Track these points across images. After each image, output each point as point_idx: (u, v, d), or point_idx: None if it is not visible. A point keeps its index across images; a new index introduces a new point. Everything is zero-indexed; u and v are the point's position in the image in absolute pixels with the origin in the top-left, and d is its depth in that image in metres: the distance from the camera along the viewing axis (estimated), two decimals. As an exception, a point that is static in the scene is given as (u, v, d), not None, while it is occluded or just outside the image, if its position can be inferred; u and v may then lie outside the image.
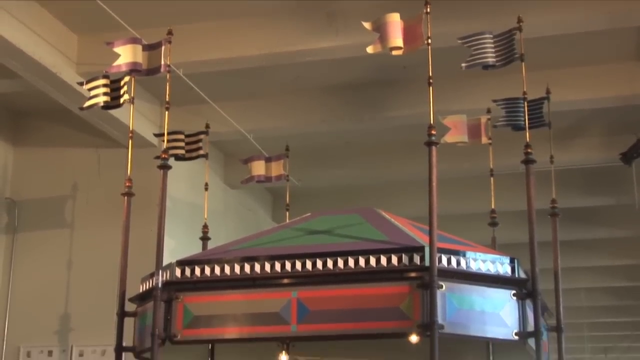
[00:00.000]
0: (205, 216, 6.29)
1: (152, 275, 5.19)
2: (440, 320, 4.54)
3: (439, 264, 4.61)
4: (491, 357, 6.17)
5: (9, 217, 8.19)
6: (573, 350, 13.79)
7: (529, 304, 4.89)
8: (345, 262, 4.78)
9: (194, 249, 5.99)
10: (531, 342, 4.92)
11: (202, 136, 6.07)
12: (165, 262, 5.17)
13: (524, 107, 5.34)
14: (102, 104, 5.29)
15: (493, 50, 5.00)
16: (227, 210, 9.40)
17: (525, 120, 5.31)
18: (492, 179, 6.19)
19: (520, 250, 5.11)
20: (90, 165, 8.25)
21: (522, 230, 5.26)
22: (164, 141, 5.28)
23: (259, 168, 6.55)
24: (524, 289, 4.87)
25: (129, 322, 5.65)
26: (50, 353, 7.61)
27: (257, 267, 4.94)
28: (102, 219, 7.85)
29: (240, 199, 10.12)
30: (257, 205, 10.75)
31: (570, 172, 9.09)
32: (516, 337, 4.79)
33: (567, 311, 5.76)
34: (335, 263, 4.80)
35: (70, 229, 8.08)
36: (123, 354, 5.63)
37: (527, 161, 5.13)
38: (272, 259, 4.92)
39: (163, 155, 5.15)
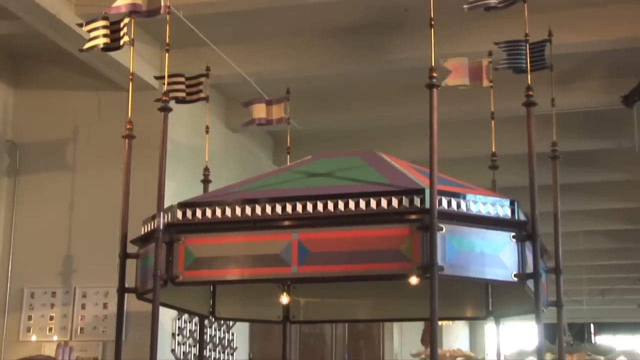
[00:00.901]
0: (207, 159, 6.30)
1: (153, 217, 5.22)
2: (440, 262, 4.58)
3: (439, 206, 4.63)
4: (490, 299, 6.24)
5: (11, 160, 8.20)
6: (571, 292, 13.91)
7: (528, 246, 4.93)
8: (346, 204, 4.80)
9: (195, 192, 6.01)
10: (530, 283, 4.97)
11: (202, 79, 6.04)
12: (166, 204, 5.20)
13: (525, 49, 5.32)
14: (101, 46, 5.26)
15: (495, -9, 4.96)
16: (227, 154, 9.41)
17: (526, 63, 5.30)
18: (492, 122, 6.19)
19: (520, 194, 5.13)
20: (90, 108, 8.24)
21: (522, 174, 5.27)
22: (164, 84, 5.26)
23: (259, 111, 6.53)
24: (523, 231, 4.90)
25: (131, 263, 5.70)
26: (53, 294, 7.68)
27: (258, 209, 4.96)
28: (103, 162, 7.86)
29: (241, 142, 10.12)
30: (258, 149, 10.75)
31: (571, 115, 9.08)
32: (515, 279, 4.83)
33: (565, 254, 5.80)
34: (335, 205, 4.81)
35: (72, 171, 8.10)
36: (125, 294, 5.69)
37: (528, 104, 5.13)
38: (272, 201, 4.94)
39: (163, 98, 5.15)
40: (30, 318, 7.68)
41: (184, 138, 7.96)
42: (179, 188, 7.00)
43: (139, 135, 5.50)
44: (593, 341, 16.48)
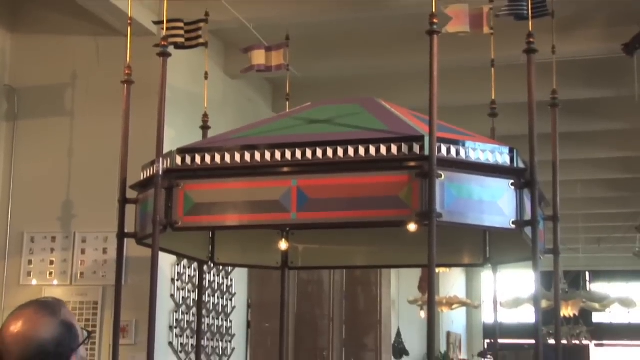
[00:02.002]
0: (205, 105, 6.29)
1: (152, 163, 5.23)
2: (438, 208, 4.60)
3: (438, 153, 4.64)
4: (488, 246, 6.28)
5: (9, 105, 8.18)
6: (568, 240, 13.99)
7: (526, 194, 4.95)
8: (345, 151, 4.80)
9: (194, 138, 6.01)
10: (528, 231, 5.00)
11: (201, 24, 5.99)
12: (165, 150, 5.20)
13: (527, -4, 5.29)
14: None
15: (497, -63, 4.92)
16: (226, 101, 9.38)
17: (528, 10, 5.27)
18: (493, 69, 6.17)
19: (520, 142, 5.14)
20: (89, 54, 8.19)
21: (521, 123, 5.28)
22: (163, 29, 5.23)
23: (259, 57, 6.50)
24: (522, 178, 4.92)
25: (130, 209, 5.72)
26: (53, 239, 7.71)
27: (257, 156, 4.97)
28: (102, 108, 7.84)
29: (240, 89, 10.09)
30: (257, 96, 10.72)
31: (571, 63, 9.04)
32: (513, 226, 4.86)
33: (563, 203, 5.83)
34: (335, 152, 4.82)
35: (71, 117, 8.08)
36: (125, 240, 5.72)
37: (529, 51, 5.12)
38: (272, 147, 4.95)
39: (162, 43, 5.13)
40: (30, 262, 7.72)
41: (182, 85, 7.93)
42: (178, 135, 7.00)
43: (137, 81, 5.49)
44: (588, 289, 16.61)
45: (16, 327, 2.01)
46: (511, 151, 4.91)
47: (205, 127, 6.38)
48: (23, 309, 2.06)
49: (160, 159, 5.13)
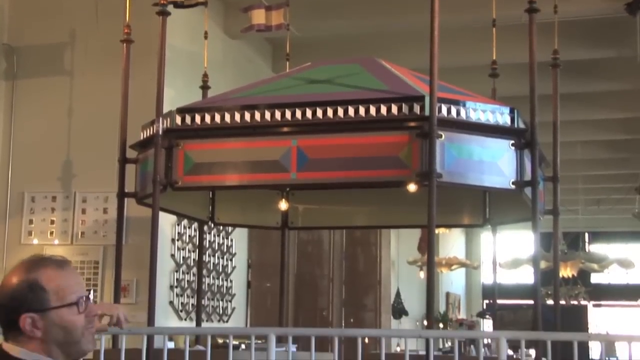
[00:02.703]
0: (205, 65, 6.26)
1: (152, 122, 5.22)
2: (438, 169, 4.60)
3: (438, 113, 4.63)
4: (487, 207, 6.29)
5: (8, 64, 8.15)
6: (567, 202, 14.01)
7: (526, 154, 4.95)
8: (345, 111, 4.79)
9: (194, 99, 5.99)
10: (528, 191, 5.01)
11: (201, -17, 5.96)
12: (165, 110, 5.19)
13: (530, -46, 5.24)
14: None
15: None
16: (226, 61, 9.34)
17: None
18: (494, 29, 6.13)
19: (520, 103, 5.12)
20: (88, 12, 8.13)
21: (522, 83, 5.26)
22: (162, -13, 5.19)
23: (259, 17, 6.46)
24: (522, 139, 4.91)
25: (130, 169, 5.73)
26: (54, 198, 7.73)
27: (257, 115, 4.96)
28: (101, 67, 7.81)
29: (239, 49, 10.04)
30: (257, 57, 10.67)
31: (573, 23, 8.98)
32: (513, 186, 4.87)
33: (563, 164, 5.83)
34: (335, 112, 4.81)
35: (70, 76, 8.05)
36: (125, 199, 5.73)
37: (531, 10, 5.08)
38: (271, 107, 4.94)
39: (161, 1, 5.10)
40: (31, 222, 7.74)
41: (182, 45, 7.89)
42: (178, 94, 6.98)
43: (137, 41, 5.46)
44: (587, 250, 16.67)
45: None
46: (512, 111, 4.90)
47: (205, 87, 6.36)
48: (22, 261, 2.16)
49: (160, 119, 5.12)
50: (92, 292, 2.22)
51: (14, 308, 2.06)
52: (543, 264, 7.86)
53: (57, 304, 2.08)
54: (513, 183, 4.86)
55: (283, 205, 6.63)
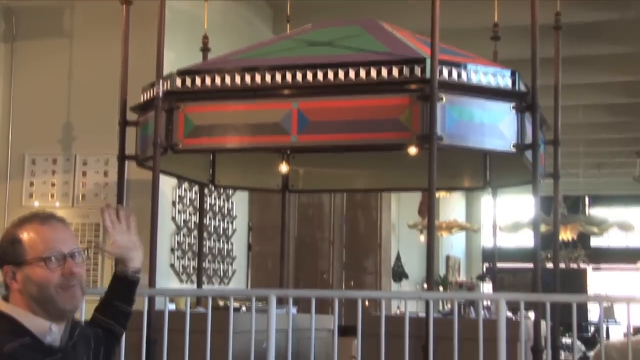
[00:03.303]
0: (205, 27, 6.22)
1: (152, 84, 5.20)
2: (439, 131, 4.60)
3: (439, 75, 4.62)
4: (488, 170, 6.29)
5: (7, 25, 8.09)
6: (568, 165, 13.99)
7: (527, 117, 4.94)
8: (346, 74, 4.78)
9: (194, 61, 5.96)
10: (528, 154, 5.00)
11: (200, -57, 5.91)
12: (165, 73, 5.17)
13: None
14: None
15: None
16: (226, 24, 9.28)
17: None
18: (496, -9, 6.09)
19: (522, 67, 5.09)
20: (86, -27, 8.06)
21: (523, 47, 5.23)
22: (162, -52, 5.14)
23: (259, -22, 6.42)
24: (523, 101, 4.90)
25: (131, 131, 5.72)
26: (54, 161, 7.72)
27: (258, 78, 4.95)
28: (101, 29, 7.75)
29: (240, 12, 9.97)
30: (257, 19, 10.60)
31: (575, -15, 8.90)
32: (514, 149, 4.87)
33: (564, 127, 5.82)
34: (335, 74, 4.80)
35: (70, 38, 7.99)
36: (126, 162, 5.73)
37: (533, -28, 5.05)
38: (272, 69, 4.92)
39: (161, -37, 5.06)
40: (32, 184, 7.74)
41: (182, 6, 7.83)
42: (178, 57, 6.94)
43: (136, 2, 5.42)
44: (587, 213, 16.69)
45: None
46: (513, 74, 4.88)
47: (205, 49, 6.33)
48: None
49: (160, 81, 5.10)
50: (85, 251, 2.16)
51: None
52: (543, 228, 7.88)
53: (29, 259, 2.09)
54: (514, 146, 4.86)
55: (283, 167, 6.64)
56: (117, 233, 2.56)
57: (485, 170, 6.26)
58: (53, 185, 7.71)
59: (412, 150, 5.10)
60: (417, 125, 4.64)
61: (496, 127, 4.82)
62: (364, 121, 4.81)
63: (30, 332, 2.06)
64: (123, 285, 2.62)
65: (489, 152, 5.66)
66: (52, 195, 7.70)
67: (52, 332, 2.10)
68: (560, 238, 7.60)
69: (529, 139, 4.91)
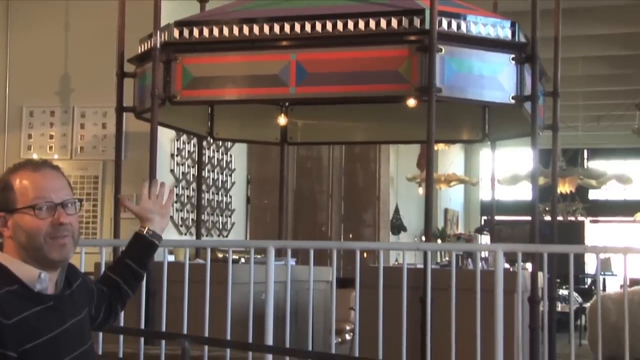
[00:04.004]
0: (203, -24, 6.16)
1: (150, 36, 5.18)
2: (438, 83, 4.58)
3: (439, 27, 4.59)
4: (487, 123, 6.28)
5: (2, -23, 8.03)
6: (567, 119, 13.95)
7: (527, 69, 4.92)
8: (345, 25, 4.75)
9: (192, 12, 5.91)
10: (527, 106, 5.00)
11: None
12: (163, 24, 5.14)
13: None
14: None
15: None
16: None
17: None
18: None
19: (521, 19, 5.06)
20: None
21: (523, -1, 5.19)
22: None
23: None
24: (523, 53, 4.88)
25: (129, 83, 5.70)
26: (52, 113, 7.69)
27: (256, 29, 4.92)
28: (97, -20, 7.69)
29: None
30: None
31: None
32: (513, 101, 4.86)
33: (563, 80, 5.79)
34: (334, 25, 4.77)
35: (66, -11, 7.93)
36: (124, 114, 5.72)
37: None
38: (271, 20, 4.89)
39: None
40: (30, 136, 7.72)
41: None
42: (176, 8, 6.87)
43: (134, -49, 5.38)
44: (586, 166, 16.68)
45: None
46: (512, 25, 4.85)
47: (203, 0, 6.28)
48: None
49: (158, 32, 5.08)
50: (79, 202, 2.13)
51: None
52: (541, 180, 7.90)
53: (20, 206, 2.07)
54: (513, 98, 4.85)
55: (282, 120, 6.63)
56: (148, 199, 2.57)
57: (484, 122, 6.25)
58: (51, 137, 7.69)
59: (411, 102, 5.09)
60: (416, 77, 4.63)
61: (495, 78, 4.81)
62: (362, 73, 4.80)
63: (20, 280, 2.05)
64: (139, 246, 2.63)
65: (488, 104, 5.65)
66: (51, 148, 7.69)
67: (41, 280, 2.09)
68: (558, 191, 7.61)
69: (528, 90, 4.90)
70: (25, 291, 2.05)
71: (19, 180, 2.09)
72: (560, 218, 9.31)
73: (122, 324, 4.37)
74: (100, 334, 4.38)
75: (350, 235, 11.64)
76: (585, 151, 18.66)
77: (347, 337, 6.84)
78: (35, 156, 7.59)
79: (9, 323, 1.96)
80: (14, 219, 2.08)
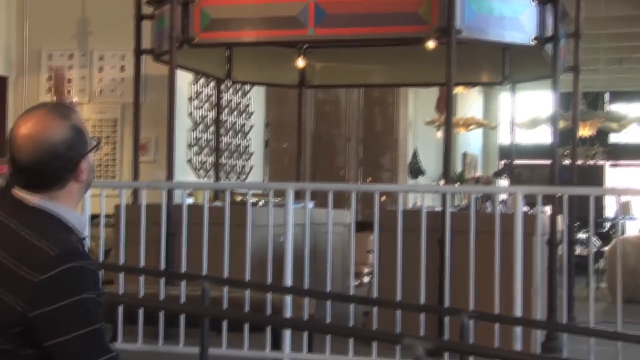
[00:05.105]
0: None
1: (168, -23, 5.13)
2: (458, 24, 4.54)
3: (459, -33, 4.53)
4: (507, 65, 6.22)
5: None
6: (588, 62, 13.77)
7: (548, 10, 4.85)
8: (364, -35, 4.69)
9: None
10: (548, 48, 4.94)
11: None
12: (180, -36, 5.10)
13: None
14: None
15: None
16: None
17: None
18: None
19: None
20: None
21: None
22: None
23: None
24: (544, -7, 4.81)
25: (147, 26, 5.67)
26: (70, 56, 7.68)
27: (274, -30, 4.87)
28: None
29: None
30: None
31: None
32: (534, 43, 4.80)
33: (585, 21, 5.71)
34: (353, -34, 4.71)
35: None
36: (142, 56, 5.71)
37: None
38: (289, -39, 4.84)
39: None
40: (50, 79, 7.74)
41: None
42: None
43: None
44: (607, 109, 16.51)
45: (26, 128, 1.93)
46: (534, -35, 4.78)
47: (220, -59, 6.21)
48: (33, 111, 1.98)
49: (175, -28, 5.03)
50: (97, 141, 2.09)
51: (71, 157, 1.94)
52: (561, 124, 7.83)
53: (90, 147, 2.01)
54: (534, 39, 4.79)
55: (300, 62, 6.59)
56: None
57: (503, 64, 6.20)
58: (70, 80, 7.70)
59: (430, 44, 5.04)
60: (435, 19, 4.58)
61: (516, 19, 4.75)
62: (382, 14, 4.75)
63: (74, 229, 2.00)
64: None
65: (508, 46, 5.59)
66: (69, 91, 7.70)
67: (85, 225, 2.07)
68: (578, 134, 7.56)
69: (549, 32, 4.84)
70: (79, 238, 2.02)
71: (79, 121, 2.01)
72: (580, 162, 9.24)
73: (142, 265, 4.41)
74: (121, 275, 4.43)
75: (368, 179, 11.63)
76: (607, 94, 18.49)
77: (365, 279, 6.88)
78: (54, 99, 7.60)
79: (94, 268, 1.93)
80: (87, 160, 1.99)
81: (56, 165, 1.94)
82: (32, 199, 1.95)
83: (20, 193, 1.96)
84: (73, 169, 1.95)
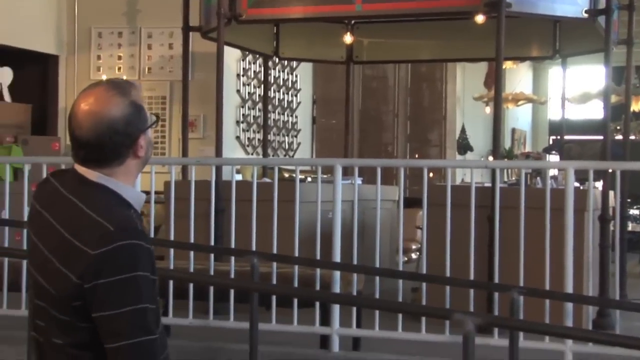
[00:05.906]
0: None
1: (215, -46, 5.13)
2: (507, 2, 4.47)
3: (509, -61, 4.45)
4: (558, 39, 6.13)
5: None
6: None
7: (601, -19, 4.77)
8: (413, -61, 4.65)
9: None
10: (601, 20, 4.85)
11: None
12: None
13: None
14: None
15: None
16: None
17: None
18: None
19: None
20: None
21: None
22: None
23: None
24: (597, -35, 4.73)
25: (194, 3, 5.68)
26: (120, 34, 7.74)
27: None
28: None
29: None
30: None
31: None
32: (586, 15, 4.72)
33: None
34: (402, -61, 4.67)
35: None
36: (190, 34, 5.73)
37: None
38: None
39: None
40: (99, 58, 7.80)
41: None
42: None
43: None
44: (660, 83, 16.22)
45: (87, 104, 1.96)
46: None
47: None
48: (94, 87, 2.01)
49: (223, -50, 5.03)
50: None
51: (130, 133, 1.96)
52: (613, 98, 7.72)
53: (149, 123, 2.02)
54: (586, 11, 4.71)
55: (348, 38, 6.56)
56: None
57: (554, 38, 6.10)
58: (119, 58, 7.77)
59: (480, 18, 4.97)
60: (485, -9, 4.53)
61: (567, -9, 4.67)
62: (430, -11, 4.70)
63: (132, 204, 2.02)
64: None
65: (560, 19, 5.50)
66: (119, 69, 7.77)
67: (142, 201, 2.07)
68: (631, 109, 7.44)
69: (602, 4, 4.76)
70: (137, 214, 2.04)
71: (138, 97, 2.02)
72: (632, 137, 9.10)
73: (192, 240, 4.45)
74: (172, 250, 4.47)
75: (416, 155, 11.58)
76: (660, 68, 18.14)
77: (413, 256, 6.86)
78: (104, 77, 7.68)
79: (151, 247, 1.95)
80: (146, 136, 2.01)
81: (115, 141, 1.96)
82: (92, 174, 1.98)
83: (80, 169, 1.99)
84: (131, 145, 1.97)
